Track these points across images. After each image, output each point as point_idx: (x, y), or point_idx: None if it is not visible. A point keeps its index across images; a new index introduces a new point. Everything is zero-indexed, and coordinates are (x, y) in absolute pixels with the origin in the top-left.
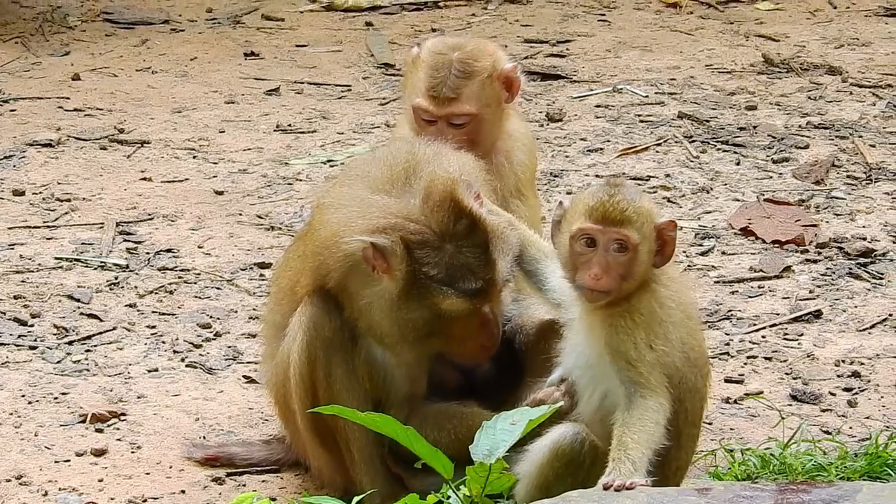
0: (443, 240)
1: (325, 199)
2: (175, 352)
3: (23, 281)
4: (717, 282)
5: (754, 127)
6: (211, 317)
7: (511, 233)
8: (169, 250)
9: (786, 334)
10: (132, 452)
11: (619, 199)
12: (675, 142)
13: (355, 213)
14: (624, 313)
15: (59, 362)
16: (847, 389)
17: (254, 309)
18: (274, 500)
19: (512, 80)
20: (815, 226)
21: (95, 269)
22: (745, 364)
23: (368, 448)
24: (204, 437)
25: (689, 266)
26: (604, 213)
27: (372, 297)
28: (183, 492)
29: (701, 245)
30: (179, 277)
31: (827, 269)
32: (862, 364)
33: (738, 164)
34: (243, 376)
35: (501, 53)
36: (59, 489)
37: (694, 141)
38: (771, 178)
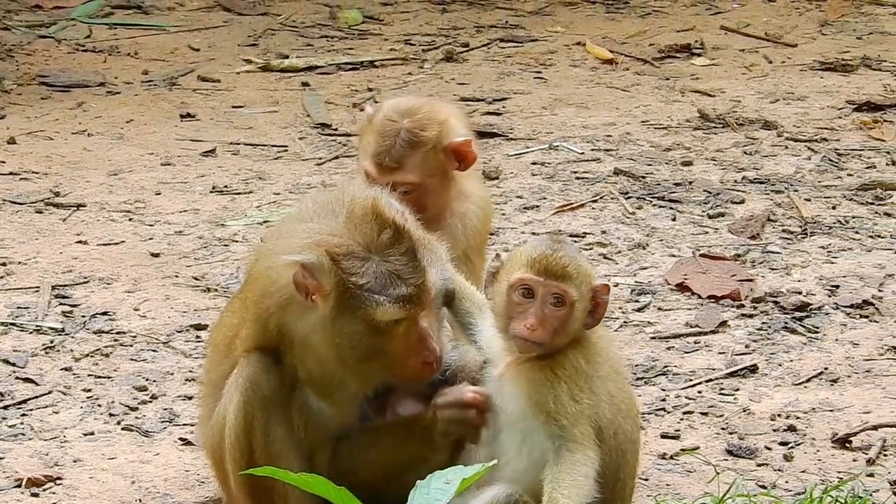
0: (368, 250)
1: (261, 250)
2: (111, 415)
3: None
4: (653, 338)
5: (690, 182)
6: (147, 379)
7: (440, 248)
8: (105, 313)
9: (722, 389)
10: None
11: (561, 255)
12: (611, 198)
13: (283, 243)
14: (546, 368)
15: None
16: (783, 444)
17: (190, 371)
18: None
19: (464, 153)
20: (750, 280)
21: (31, 332)
22: (682, 419)
23: None
24: (140, 500)
25: (625, 322)
26: (546, 266)
27: (309, 327)
28: None
29: (637, 301)
30: (115, 340)
31: (763, 323)
32: (798, 418)
33: (674, 219)
34: (179, 439)
35: (454, 122)
36: None
37: (630, 197)
38: (707, 233)
